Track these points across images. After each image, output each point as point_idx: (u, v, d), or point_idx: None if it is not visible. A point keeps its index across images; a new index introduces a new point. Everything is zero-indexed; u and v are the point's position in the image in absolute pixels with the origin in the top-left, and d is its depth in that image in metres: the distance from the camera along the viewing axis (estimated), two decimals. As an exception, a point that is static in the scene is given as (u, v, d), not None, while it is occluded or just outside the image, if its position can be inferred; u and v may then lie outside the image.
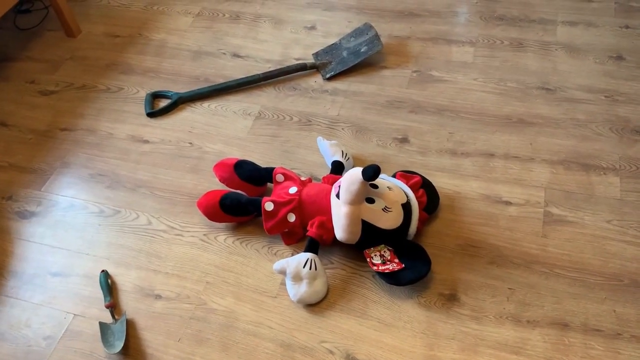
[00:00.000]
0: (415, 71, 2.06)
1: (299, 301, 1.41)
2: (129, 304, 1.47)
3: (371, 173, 1.34)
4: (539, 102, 1.89)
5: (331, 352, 1.33)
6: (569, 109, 1.85)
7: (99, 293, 1.50)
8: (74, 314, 1.47)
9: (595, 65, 2.00)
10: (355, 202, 1.39)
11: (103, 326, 1.41)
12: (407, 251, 1.44)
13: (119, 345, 1.36)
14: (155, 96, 2.08)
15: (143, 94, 2.11)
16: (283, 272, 1.41)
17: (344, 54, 2.11)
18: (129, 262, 1.57)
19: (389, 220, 1.42)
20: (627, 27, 2.15)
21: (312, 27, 2.33)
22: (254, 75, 2.07)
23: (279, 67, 2.12)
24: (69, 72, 2.23)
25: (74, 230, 1.67)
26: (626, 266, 1.42)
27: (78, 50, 2.32)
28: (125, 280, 1.53)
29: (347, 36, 2.19)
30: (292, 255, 1.51)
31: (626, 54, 2.03)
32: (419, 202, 1.50)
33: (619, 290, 1.38)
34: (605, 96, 1.88)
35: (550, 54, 2.07)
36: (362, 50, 2.09)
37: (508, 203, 1.59)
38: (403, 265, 1.40)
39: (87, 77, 2.22)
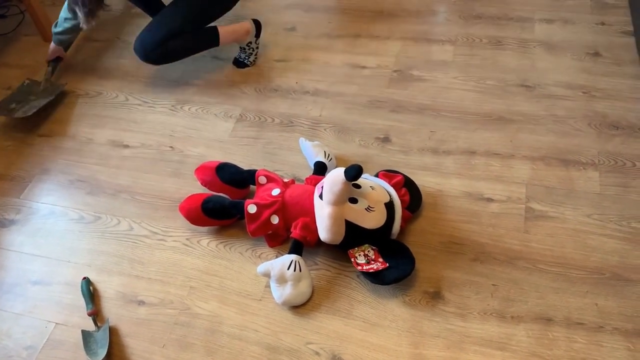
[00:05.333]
0: (395, 71, 2.07)
1: (284, 303, 1.40)
2: (112, 310, 1.46)
3: (353, 173, 1.33)
4: (519, 99, 1.90)
5: (317, 353, 1.33)
6: (548, 105, 1.87)
7: (80, 301, 1.48)
8: (56, 323, 1.45)
9: (572, 61, 2.03)
10: (338, 202, 1.39)
11: (86, 334, 1.39)
12: (391, 250, 1.44)
13: (102, 353, 1.34)
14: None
15: (122, 98, 2.09)
16: (267, 275, 1.41)
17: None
18: (111, 268, 1.55)
19: (373, 220, 1.42)
20: (602, 23, 2.19)
21: (292, 29, 2.33)
22: None
23: (261, 68, 2.11)
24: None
25: (54, 237, 1.65)
26: (607, 259, 1.44)
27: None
28: (107, 287, 1.51)
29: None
30: (276, 257, 1.51)
31: (603, 50, 2.06)
32: (402, 201, 1.51)
33: (600, 283, 1.39)
34: (583, 92, 1.90)
35: (528, 51, 2.10)
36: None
37: (490, 200, 1.60)
38: (387, 265, 1.40)
39: (65, 82, 2.19)
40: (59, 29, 2.11)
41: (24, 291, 1.53)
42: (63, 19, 2.07)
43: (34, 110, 1.99)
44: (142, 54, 1.96)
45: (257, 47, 2.14)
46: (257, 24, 2.11)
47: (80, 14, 1.90)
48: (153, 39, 1.94)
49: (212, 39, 2.02)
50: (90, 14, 1.89)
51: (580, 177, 1.64)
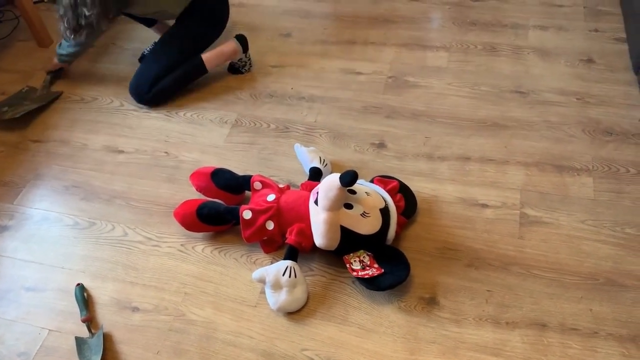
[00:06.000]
0: (390, 77, 2.08)
1: (279, 309, 1.40)
2: (106, 317, 1.45)
3: (349, 179, 1.34)
4: (513, 105, 1.91)
5: (312, 359, 1.32)
6: (542, 111, 1.88)
7: (74, 307, 1.47)
8: (49, 329, 1.44)
9: (566, 68, 2.04)
10: (333, 208, 1.39)
11: (79, 341, 1.38)
12: (386, 256, 1.44)
13: (96, 359, 1.33)
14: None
15: (117, 103, 2.08)
16: (262, 281, 1.40)
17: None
18: (105, 274, 1.54)
19: (368, 226, 1.42)
20: (596, 30, 2.20)
21: (288, 35, 2.33)
22: None
23: (257, 74, 2.12)
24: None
25: (48, 243, 1.64)
26: (601, 265, 1.44)
27: (50, 61, 2.28)
28: (101, 293, 1.50)
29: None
30: (272, 263, 1.51)
31: (596, 56, 2.08)
32: (397, 207, 1.51)
33: (594, 289, 1.40)
34: (577, 98, 1.91)
35: (522, 57, 2.11)
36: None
37: (484, 206, 1.61)
38: (382, 270, 1.40)
39: (60, 87, 2.19)
40: (63, 52, 2.10)
41: (17, 297, 1.52)
42: (66, 43, 2.06)
43: (23, 113, 1.99)
44: (137, 98, 2.04)
45: (249, 59, 2.14)
46: (243, 40, 2.10)
47: (65, 32, 1.93)
48: (144, 82, 2.00)
49: (199, 69, 2.04)
50: (74, 32, 1.91)
51: (574, 183, 1.64)
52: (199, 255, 1.56)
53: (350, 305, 1.42)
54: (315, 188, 1.45)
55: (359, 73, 2.10)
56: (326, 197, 1.38)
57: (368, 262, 1.43)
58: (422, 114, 1.91)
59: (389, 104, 1.97)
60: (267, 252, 1.54)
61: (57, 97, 2.12)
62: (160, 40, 2.09)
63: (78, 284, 1.50)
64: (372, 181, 1.60)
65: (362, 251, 1.45)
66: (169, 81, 2.01)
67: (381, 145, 1.82)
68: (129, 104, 2.07)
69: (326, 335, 1.36)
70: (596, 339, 1.31)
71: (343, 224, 1.41)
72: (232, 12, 2.47)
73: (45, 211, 1.73)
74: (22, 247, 1.64)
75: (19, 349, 1.40)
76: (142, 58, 2.25)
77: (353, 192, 1.44)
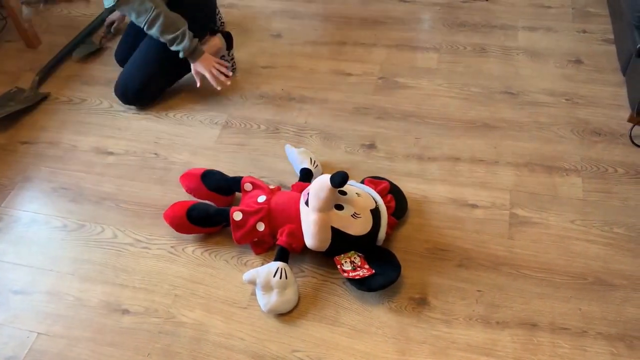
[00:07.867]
0: (380, 78, 2.08)
1: (270, 311, 1.39)
2: (95, 319, 1.44)
3: (339, 180, 1.34)
4: (503, 106, 1.92)
5: (303, 361, 1.32)
6: (531, 112, 1.89)
7: (63, 310, 1.46)
8: (38, 333, 1.42)
9: (555, 69, 2.06)
10: (324, 209, 1.39)
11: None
12: (377, 257, 1.45)
13: None
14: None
15: (107, 104, 2.07)
16: (253, 282, 1.40)
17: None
18: (94, 277, 1.53)
19: (359, 227, 1.42)
20: (584, 31, 2.22)
21: (278, 35, 2.33)
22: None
23: (247, 75, 2.11)
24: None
25: (36, 246, 1.63)
26: (590, 265, 1.45)
27: (38, 62, 2.27)
28: (91, 296, 1.49)
29: None
30: (262, 264, 1.50)
31: (585, 57, 2.09)
32: (388, 208, 1.51)
33: (583, 288, 1.41)
34: (566, 99, 1.93)
35: (512, 58, 2.12)
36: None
37: (474, 206, 1.61)
38: (373, 271, 1.40)
39: (49, 88, 2.17)
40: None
41: (5, 300, 1.50)
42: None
43: (6, 114, 1.97)
44: (124, 100, 2.01)
45: (232, 58, 2.12)
46: (228, 37, 2.08)
47: None
48: (133, 86, 1.96)
49: (187, 67, 1.97)
50: None
51: (564, 184, 1.65)
52: (189, 257, 1.55)
53: (341, 306, 1.42)
54: (306, 189, 1.45)
55: (349, 74, 2.11)
56: (317, 198, 1.38)
57: (359, 263, 1.43)
58: (412, 115, 1.92)
59: (379, 104, 1.97)
60: (257, 253, 1.54)
61: (44, 98, 2.11)
62: (145, 41, 2.01)
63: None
64: (362, 182, 1.60)
65: (352, 252, 1.45)
66: (158, 85, 2.00)
67: (371, 146, 1.82)
68: (118, 105, 2.06)
69: (317, 337, 1.36)
70: (586, 338, 1.32)
71: (334, 225, 1.41)
72: (222, 12, 2.46)
73: (34, 213, 1.72)
74: (10, 250, 1.62)
75: (7, 353, 1.39)
76: (120, 59, 2.15)
77: (344, 193, 1.44)
